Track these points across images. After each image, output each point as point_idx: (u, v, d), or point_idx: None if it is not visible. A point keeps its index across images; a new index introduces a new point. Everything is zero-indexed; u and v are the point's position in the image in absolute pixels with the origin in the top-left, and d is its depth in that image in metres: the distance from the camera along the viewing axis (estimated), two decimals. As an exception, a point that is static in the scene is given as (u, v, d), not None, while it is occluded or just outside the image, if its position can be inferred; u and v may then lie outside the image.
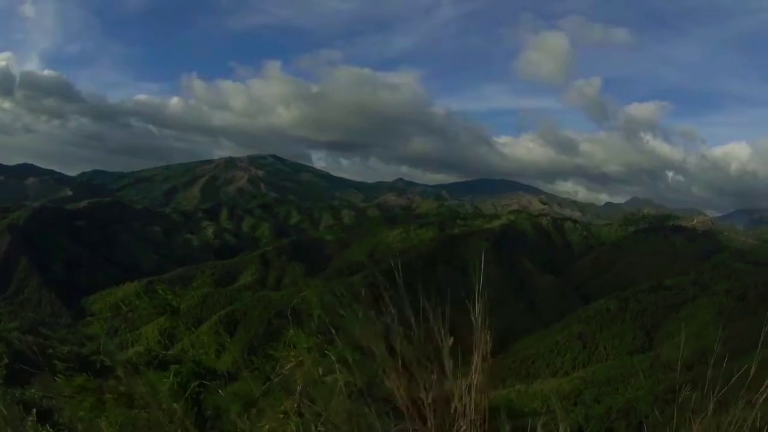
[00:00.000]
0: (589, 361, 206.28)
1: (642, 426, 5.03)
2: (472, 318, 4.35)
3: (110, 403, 6.95)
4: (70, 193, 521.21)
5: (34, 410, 7.44)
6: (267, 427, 5.55)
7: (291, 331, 7.24)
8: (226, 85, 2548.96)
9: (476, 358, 4.29)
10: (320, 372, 6.40)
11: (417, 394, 4.27)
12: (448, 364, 4.27)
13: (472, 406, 4.26)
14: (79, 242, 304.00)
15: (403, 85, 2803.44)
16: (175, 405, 6.69)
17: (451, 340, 4.30)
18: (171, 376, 7.38)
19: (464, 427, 4.23)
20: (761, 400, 4.62)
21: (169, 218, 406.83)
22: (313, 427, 5.33)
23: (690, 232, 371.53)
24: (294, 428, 5.72)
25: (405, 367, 4.27)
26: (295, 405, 5.97)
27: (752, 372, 4.68)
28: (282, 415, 5.91)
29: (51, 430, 7.23)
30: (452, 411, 4.26)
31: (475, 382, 4.25)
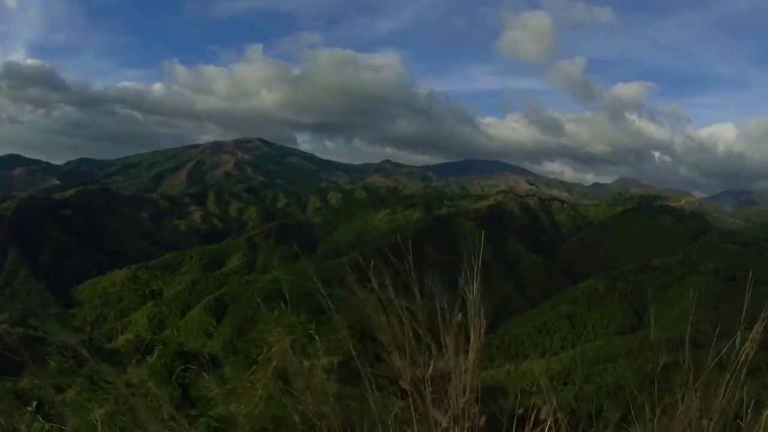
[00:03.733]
0: (578, 341, 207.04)
1: (631, 406, 5.06)
2: (469, 296, 4.41)
3: (98, 391, 6.98)
4: (57, 182, 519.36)
5: (35, 402, 7.45)
6: (248, 410, 5.56)
7: (275, 311, 7.27)
8: (209, 69, 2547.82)
9: (474, 336, 4.37)
10: (301, 350, 6.43)
11: (415, 371, 4.40)
12: (450, 341, 4.40)
13: (469, 383, 4.39)
14: (67, 231, 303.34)
15: (385, 67, 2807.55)
16: (165, 388, 6.72)
17: (459, 316, 4.41)
18: (155, 357, 7.40)
19: (461, 404, 4.37)
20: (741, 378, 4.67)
21: (157, 204, 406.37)
22: (287, 404, 5.35)
23: (678, 213, 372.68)
24: (257, 401, 5.73)
25: (401, 345, 4.40)
26: (266, 377, 5.97)
27: (741, 352, 4.72)
28: (249, 384, 5.91)
29: (43, 420, 7.24)
30: (449, 388, 4.40)
31: (472, 360, 4.38)
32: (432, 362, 4.30)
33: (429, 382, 4.29)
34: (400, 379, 4.36)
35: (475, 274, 4.44)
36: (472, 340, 4.34)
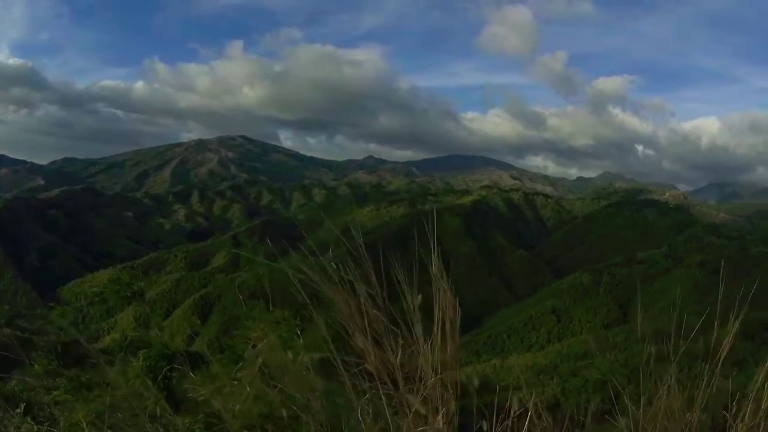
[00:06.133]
0: (564, 335, 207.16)
1: (617, 399, 5.09)
2: (432, 274, 4.41)
3: (85, 391, 6.96)
4: (42, 182, 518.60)
5: (23, 404, 7.42)
6: (238, 407, 5.54)
7: (257, 306, 7.26)
8: (190, 67, 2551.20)
9: (437, 315, 4.36)
10: (286, 345, 6.42)
11: (387, 358, 4.38)
12: (417, 328, 4.39)
13: (439, 367, 4.37)
14: (53, 231, 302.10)
15: (367, 62, 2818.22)
16: (151, 389, 6.69)
17: (419, 297, 4.38)
18: (140, 360, 7.38)
19: (429, 388, 4.36)
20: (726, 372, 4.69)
21: (141, 203, 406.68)
22: (274, 399, 5.33)
23: (662, 206, 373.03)
24: (244, 397, 5.72)
25: (375, 334, 4.39)
26: (252, 373, 5.95)
27: (723, 344, 4.74)
28: (235, 381, 5.90)
29: (32, 422, 7.22)
30: (420, 374, 4.39)
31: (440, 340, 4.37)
32: (401, 348, 4.35)
33: (400, 368, 4.34)
34: (366, 362, 4.39)
35: (434, 251, 4.48)
36: (437, 320, 4.36)
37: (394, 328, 4.32)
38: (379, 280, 4.42)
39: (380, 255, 4.57)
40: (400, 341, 4.30)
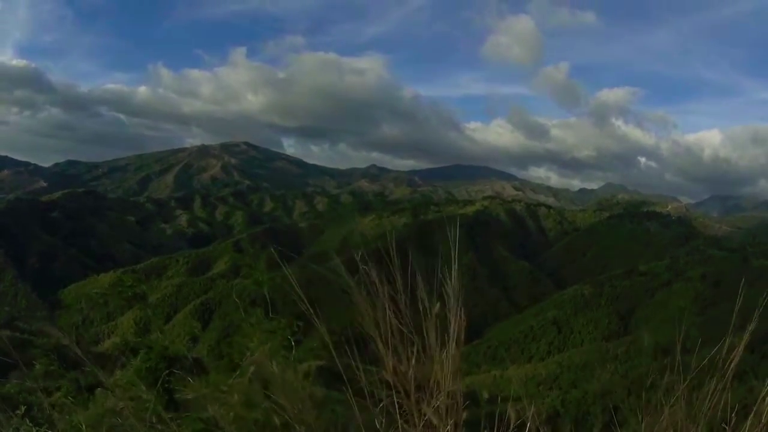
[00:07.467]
0: (565, 347, 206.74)
1: (617, 411, 5.08)
2: (446, 290, 4.41)
3: (86, 394, 6.95)
4: (44, 184, 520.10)
5: (24, 407, 7.40)
6: (232, 414, 5.53)
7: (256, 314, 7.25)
8: (194, 73, 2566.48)
9: (453, 327, 4.36)
10: (281, 355, 6.40)
11: (399, 367, 4.39)
12: (432, 337, 4.39)
13: (450, 376, 4.37)
14: (54, 233, 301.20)
15: (370, 71, 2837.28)
16: (150, 392, 6.68)
17: (438, 306, 4.39)
18: (140, 361, 7.37)
19: (441, 399, 4.36)
20: (728, 384, 4.68)
21: (143, 207, 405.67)
22: (268, 408, 5.33)
23: (664, 219, 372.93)
24: (237, 405, 5.71)
25: (387, 342, 4.39)
26: (246, 382, 5.94)
27: (725, 357, 4.73)
28: (225, 390, 5.89)
29: (30, 424, 7.20)
30: (431, 383, 4.39)
31: (452, 350, 4.37)
32: (414, 356, 4.36)
33: (413, 377, 4.35)
34: (383, 370, 4.40)
35: (454, 260, 4.49)
36: (451, 329, 4.36)
37: (411, 335, 4.37)
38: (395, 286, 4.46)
39: (382, 264, 4.59)
40: (413, 350, 4.34)
